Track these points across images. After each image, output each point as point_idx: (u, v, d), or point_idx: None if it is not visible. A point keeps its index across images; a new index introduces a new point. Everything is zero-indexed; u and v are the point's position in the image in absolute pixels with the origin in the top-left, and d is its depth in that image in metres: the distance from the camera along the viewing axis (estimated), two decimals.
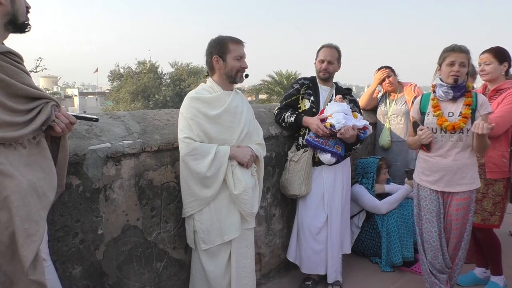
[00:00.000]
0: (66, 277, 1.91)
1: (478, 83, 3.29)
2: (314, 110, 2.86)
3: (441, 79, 2.42)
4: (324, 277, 2.89)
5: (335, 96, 2.88)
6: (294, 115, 2.85)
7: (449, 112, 2.40)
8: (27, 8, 1.43)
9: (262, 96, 33.70)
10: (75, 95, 47.60)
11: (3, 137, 1.25)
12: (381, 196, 3.38)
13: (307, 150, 2.81)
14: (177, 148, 2.22)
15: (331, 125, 2.65)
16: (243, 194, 2.18)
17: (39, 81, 51.08)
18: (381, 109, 3.80)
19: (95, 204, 1.99)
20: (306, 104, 2.89)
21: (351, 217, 3.30)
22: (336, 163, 2.81)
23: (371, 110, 3.93)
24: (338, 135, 2.67)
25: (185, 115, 2.17)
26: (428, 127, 2.40)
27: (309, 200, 2.86)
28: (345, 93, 2.96)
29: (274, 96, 28.55)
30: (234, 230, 2.21)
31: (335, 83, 3.02)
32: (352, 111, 2.79)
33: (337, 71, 2.97)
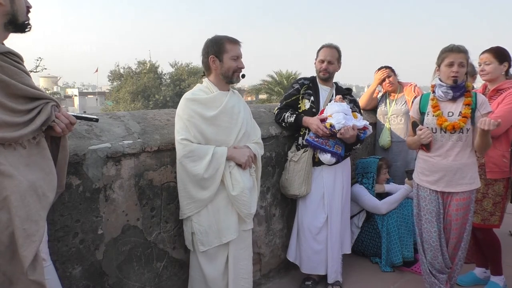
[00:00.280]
0: (66, 277, 1.91)
1: (478, 83, 3.29)
2: (314, 110, 2.86)
3: (440, 79, 2.42)
4: (324, 277, 2.89)
5: (335, 96, 2.88)
6: (294, 115, 2.85)
7: (448, 112, 2.40)
8: (28, 7, 1.43)
9: (262, 96, 33.70)
10: (75, 95, 47.60)
11: (2, 138, 1.25)
12: (381, 196, 3.38)
13: (307, 150, 2.81)
14: None
15: (331, 125, 2.64)
16: (241, 195, 2.16)
17: (39, 81, 51.07)
18: (381, 109, 3.80)
19: (95, 204, 1.99)
20: (306, 104, 2.89)
21: (351, 217, 3.30)
22: (336, 163, 2.81)
23: (371, 110, 3.93)
24: (338, 135, 2.67)
25: (181, 116, 2.15)
26: (427, 127, 2.40)
27: (309, 200, 2.86)
28: (345, 93, 2.96)
29: (274, 96, 28.55)
30: (232, 232, 2.19)
31: (335, 83, 3.02)
32: (352, 111, 2.79)
33: (337, 71, 2.96)
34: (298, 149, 2.90)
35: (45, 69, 20.16)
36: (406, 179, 3.28)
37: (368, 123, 2.80)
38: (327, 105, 2.84)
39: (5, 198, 1.22)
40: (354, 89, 3.49)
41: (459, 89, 2.36)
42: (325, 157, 2.76)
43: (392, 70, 3.74)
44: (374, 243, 3.30)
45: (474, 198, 2.44)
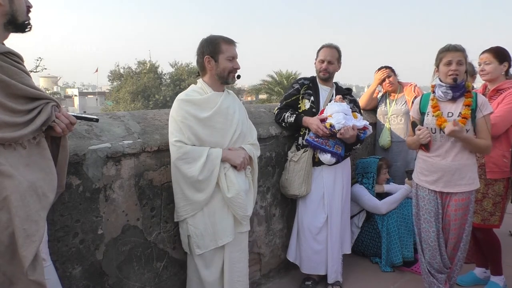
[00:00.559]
0: (66, 277, 1.91)
1: (478, 83, 3.29)
2: (314, 110, 2.86)
3: (440, 80, 2.42)
4: (324, 277, 2.89)
5: (335, 96, 2.88)
6: (294, 115, 2.85)
7: (448, 112, 2.40)
8: (28, 7, 1.43)
9: (262, 96, 33.71)
10: (75, 95, 47.61)
11: (2, 138, 1.25)
12: (381, 196, 3.38)
13: (307, 150, 2.81)
14: None
15: (331, 125, 2.64)
16: (236, 197, 2.13)
17: (39, 81, 51.09)
18: (381, 109, 3.80)
19: (95, 204, 1.99)
20: (306, 104, 2.89)
21: (351, 217, 3.30)
22: (336, 163, 2.81)
23: (371, 110, 3.93)
24: (338, 135, 2.67)
25: (175, 117, 2.12)
26: (427, 127, 2.40)
27: (309, 200, 2.86)
28: (345, 93, 2.96)
29: (274, 96, 28.56)
30: (228, 234, 2.16)
31: (335, 83, 3.02)
32: (352, 111, 2.79)
33: (337, 71, 2.96)
34: (298, 149, 2.90)
35: (45, 69, 20.18)
36: (406, 179, 3.29)
37: (368, 123, 2.80)
38: (327, 105, 2.84)
39: (5, 198, 1.22)
40: (354, 89, 3.49)
41: (459, 89, 2.36)
42: (325, 157, 2.76)
43: (392, 70, 3.74)
44: (374, 243, 3.30)
45: (473, 199, 2.44)
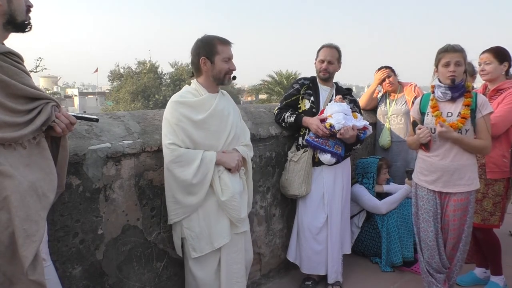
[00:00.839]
0: (66, 277, 1.91)
1: (478, 83, 3.29)
2: (314, 110, 2.86)
3: (439, 80, 2.43)
4: (324, 277, 2.89)
5: (335, 96, 2.88)
6: (294, 115, 2.85)
7: (448, 113, 2.40)
8: (29, 7, 1.43)
9: (262, 96, 33.73)
10: (75, 95, 47.63)
11: (2, 138, 1.25)
12: (381, 196, 3.38)
13: (307, 150, 2.81)
14: None
15: (331, 125, 2.64)
16: (230, 200, 2.11)
17: (39, 81, 51.11)
18: (381, 109, 3.80)
19: (95, 204, 1.99)
20: (306, 104, 2.89)
21: (351, 217, 3.30)
22: (336, 163, 2.81)
23: (371, 110, 3.93)
24: (338, 136, 2.67)
25: (169, 120, 2.08)
26: (427, 127, 2.41)
27: (309, 200, 2.86)
28: (345, 93, 2.96)
29: (274, 96, 28.56)
30: (224, 236, 2.13)
31: (335, 83, 3.02)
32: (352, 111, 2.79)
33: (337, 71, 2.96)
34: (298, 149, 2.90)
35: (45, 69, 20.22)
36: (406, 179, 3.29)
37: (368, 123, 2.80)
38: (327, 105, 2.84)
39: (5, 198, 1.22)
40: (354, 89, 3.49)
41: (458, 90, 2.36)
42: (325, 157, 2.76)
43: (392, 70, 3.74)
44: (374, 243, 3.30)
45: (473, 199, 2.43)
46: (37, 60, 19.45)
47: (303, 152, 2.82)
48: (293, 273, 3.09)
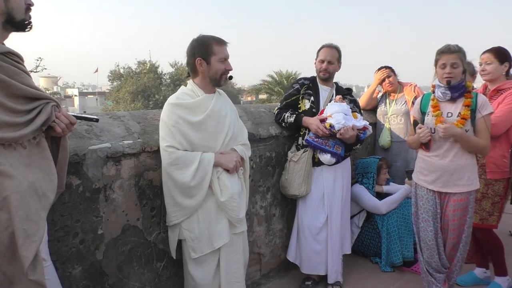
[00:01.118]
0: (66, 277, 1.91)
1: (479, 83, 3.29)
2: (314, 110, 2.86)
3: (439, 80, 2.43)
4: (324, 277, 2.89)
5: (335, 96, 2.88)
6: (294, 115, 2.85)
7: (448, 113, 2.40)
8: (29, 5, 1.42)
9: (262, 96, 33.73)
10: (75, 95, 47.63)
11: (2, 138, 1.25)
12: (380, 196, 3.38)
13: (307, 150, 2.81)
14: None
15: (331, 126, 2.64)
16: (230, 201, 2.10)
17: (39, 81, 51.10)
18: (381, 109, 3.80)
19: (95, 204, 1.99)
20: (306, 104, 2.89)
21: (351, 217, 3.30)
22: (336, 163, 2.81)
23: (371, 110, 3.93)
24: (337, 136, 2.67)
25: (166, 122, 2.06)
26: (427, 127, 2.41)
27: (309, 200, 2.86)
28: (345, 93, 2.96)
29: (274, 96, 28.56)
30: (223, 237, 2.13)
31: (335, 83, 3.02)
32: (352, 111, 2.79)
33: (337, 71, 2.96)
34: (298, 149, 2.90)
35: (45, 69, 20.24)
36: (406, 179, 3.29)
37: (368, 123, 2.80)
38: (327, 105, 2.84)
39: (5, 198, 1.22)
40: (354, 89, 3.49)
41: (457, 90, 2.36)
42: (325, 157, 2.76)
43: (392, 70, 3.74)
44: (374, 243, 3.30)
45: (473, 200, 2.43)
46: (37, 60, 19.49)
47: (303, 152, 2.82)
48: (293, 273, 3.09)
